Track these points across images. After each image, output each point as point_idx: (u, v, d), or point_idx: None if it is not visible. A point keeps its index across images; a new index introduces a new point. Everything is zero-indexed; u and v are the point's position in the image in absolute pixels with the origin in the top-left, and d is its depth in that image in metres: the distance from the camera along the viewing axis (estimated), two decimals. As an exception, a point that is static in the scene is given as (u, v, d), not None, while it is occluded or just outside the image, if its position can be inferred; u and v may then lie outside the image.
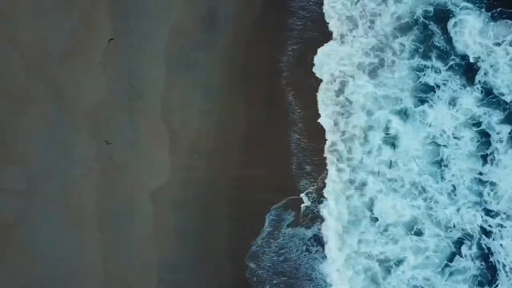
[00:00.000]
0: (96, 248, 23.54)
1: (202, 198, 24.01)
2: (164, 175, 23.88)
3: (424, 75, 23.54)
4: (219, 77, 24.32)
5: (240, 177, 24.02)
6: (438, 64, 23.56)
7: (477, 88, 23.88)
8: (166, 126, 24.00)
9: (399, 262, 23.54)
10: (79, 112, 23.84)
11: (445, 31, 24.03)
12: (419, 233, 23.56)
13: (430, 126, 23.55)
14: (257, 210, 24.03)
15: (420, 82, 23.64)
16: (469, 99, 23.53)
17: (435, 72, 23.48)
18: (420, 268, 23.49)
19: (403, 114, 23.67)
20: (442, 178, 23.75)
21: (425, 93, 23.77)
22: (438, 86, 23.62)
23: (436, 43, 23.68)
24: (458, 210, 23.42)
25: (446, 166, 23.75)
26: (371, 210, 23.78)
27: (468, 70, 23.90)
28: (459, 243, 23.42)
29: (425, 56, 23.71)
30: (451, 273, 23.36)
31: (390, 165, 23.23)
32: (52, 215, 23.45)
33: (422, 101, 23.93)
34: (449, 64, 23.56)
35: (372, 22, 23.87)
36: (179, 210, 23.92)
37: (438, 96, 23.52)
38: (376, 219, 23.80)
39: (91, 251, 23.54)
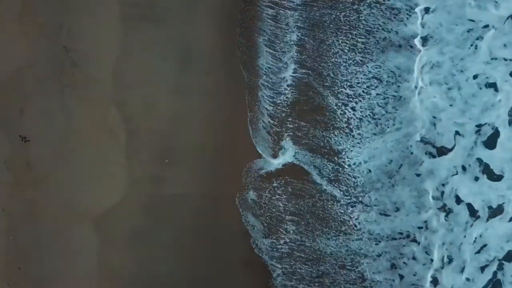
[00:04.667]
0: (3, 309, 19.80)
1: (175, 226, 19.91)
2: (116, 191, 19.92)
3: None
4: (205, 37, 20.23)
5: (234, 193, 20.11)
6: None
7: None
8: (120, 113, 19.95)
9: None
10: (-18, 90, 20.44)
11: None
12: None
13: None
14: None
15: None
16: None
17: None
18: None
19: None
20: None
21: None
22: None
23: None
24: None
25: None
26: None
27: None
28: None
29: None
30: None
31: None
32: None
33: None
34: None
35: None
36: (139, 245, 19.78)
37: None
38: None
39: (-5, 314, 20.03)
